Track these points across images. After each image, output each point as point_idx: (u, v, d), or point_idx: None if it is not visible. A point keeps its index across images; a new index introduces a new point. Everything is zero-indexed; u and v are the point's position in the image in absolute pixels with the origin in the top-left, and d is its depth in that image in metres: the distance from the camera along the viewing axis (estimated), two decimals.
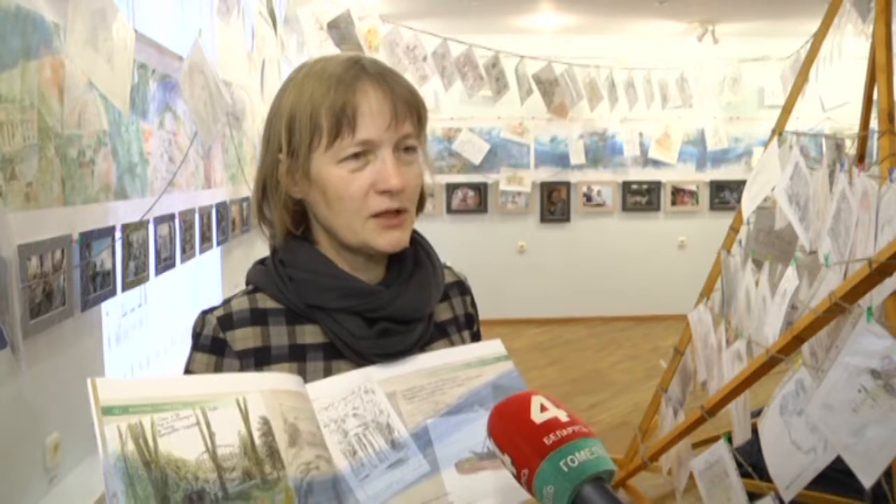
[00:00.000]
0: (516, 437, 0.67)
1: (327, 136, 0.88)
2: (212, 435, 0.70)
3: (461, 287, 1.09)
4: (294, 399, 0.79)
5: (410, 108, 0.91)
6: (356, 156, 0.88)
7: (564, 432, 0.66)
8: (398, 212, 0.91)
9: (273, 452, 0.73)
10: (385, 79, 0.90)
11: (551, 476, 0.64)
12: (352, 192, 0.89)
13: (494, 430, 0.70)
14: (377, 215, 0.90)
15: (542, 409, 0.68)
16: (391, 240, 0.92)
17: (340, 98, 0.87)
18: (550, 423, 0.66)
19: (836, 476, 2.04)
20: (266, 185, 0.96)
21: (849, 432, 1.78)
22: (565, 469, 0.63)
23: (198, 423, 0.70)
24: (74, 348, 1.78)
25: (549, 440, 0.65)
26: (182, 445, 0.68)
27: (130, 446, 0.65)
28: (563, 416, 0.67)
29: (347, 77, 0.89)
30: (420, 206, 0.98)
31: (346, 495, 0.78)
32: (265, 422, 0.74)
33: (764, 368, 2.26)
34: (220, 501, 0.67)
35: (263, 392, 0.76)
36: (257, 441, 0.72)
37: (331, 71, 0.90)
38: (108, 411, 0.66)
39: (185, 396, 0.71)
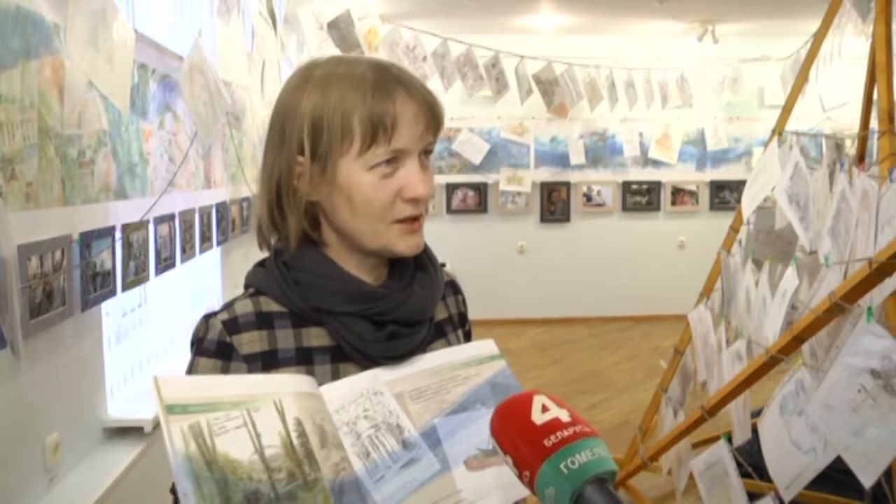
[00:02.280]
0: (517, 439, 0.66)
1: (360, 143, 0.88)
2: (258, 436, 0.70)
3: (453, 286, 1.10)
4: (316, 401, 0.80)
5: (436, 117, 0.93)
6: (388, 162, 0.89)
7: (565, 433, 0.65)
8: (417, 217, 0.93)
9: (309, 453, 0.73)
10: (416, 87, 0.91)
11: (552, 478, 0.63)
12: (381, 198, 0.90)
13: (496, 432, 0.69)
14: (400, 221, 0.91)
15: (544, 409, 0.67)
16: (412, 244, 0.94)
17: (379, 105, 0.87)
18: (551, 424, 0.66)
19: (836, 476, 2.04)
20: (280, 191, 0.93)
21: (849, 432, 1.78)
22: (565, 471, 0.63)
23: (245, 424, 0.70)
24: (74, 348, 1.78)
25: (549, 442, 0.64)
26: (234, 446, 0.68)
27: (193, 446, 0.66)
28: (564, 417, 0.67)
29: (383, 84, 0.89)
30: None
31: (367, 496, 0.78)
32: (299, 423, 0.74)
33: (764, 368, 2.26)
34: (272, 502, 0.68)
35: (293, 394, 0.76)
36: (295, 442, 0.72)
37: (360, 75, 0.89)
38: (171, 410, 0.67)
39: (231, 396, 0.72)
